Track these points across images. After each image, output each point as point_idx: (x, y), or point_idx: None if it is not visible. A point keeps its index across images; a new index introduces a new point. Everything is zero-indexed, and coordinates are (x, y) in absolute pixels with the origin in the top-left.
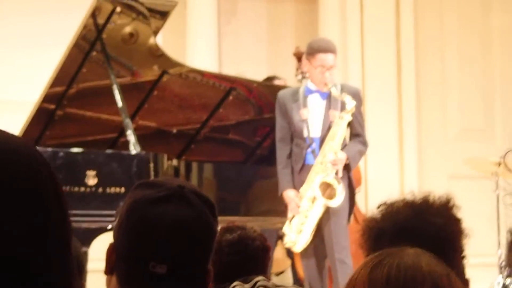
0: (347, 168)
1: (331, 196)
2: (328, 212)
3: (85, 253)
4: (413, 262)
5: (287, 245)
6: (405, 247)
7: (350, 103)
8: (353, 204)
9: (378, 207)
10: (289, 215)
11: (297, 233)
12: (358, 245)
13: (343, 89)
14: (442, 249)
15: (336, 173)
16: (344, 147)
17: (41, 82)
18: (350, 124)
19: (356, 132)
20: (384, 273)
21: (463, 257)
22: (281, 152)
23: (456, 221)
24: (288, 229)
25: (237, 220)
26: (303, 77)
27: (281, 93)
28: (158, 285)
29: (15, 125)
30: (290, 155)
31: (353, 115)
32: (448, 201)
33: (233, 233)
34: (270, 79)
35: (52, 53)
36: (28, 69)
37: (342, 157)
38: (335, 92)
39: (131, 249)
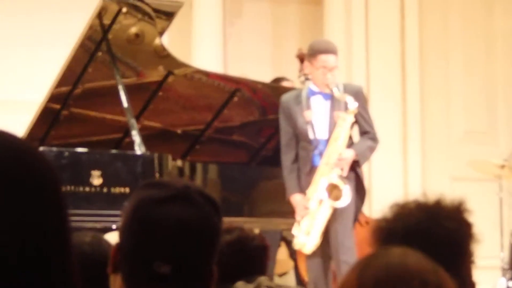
0: (356, 164)
1: (337, 197)
2: (334, 213)
3: None
4: (400, 262)
5: (297, 247)
6: (392, 246)
7: (352, 104)
8: (362, 203)
9: (390, 208)
10: (298, 218)
11: (306, 235)
12: (366, 245)
13: (346, 88)
14: (453, 253)
15: (341, 174)
16: (350, 146)
17: (43, 82)
18: (357, 123)
19: (364, 130)
20: (372, 275)
21: (472, 261)
22: (286, 157)
23: (468, 226)
24: (297, 231)
25: (241, 221)
26: (306, 79)
27: (284, 97)
28: (162, 285)
29: (17, 125)
30: (295, 160)
31: (356, 115)
32: (460, 205)
33: (231, 234)
34: (278, 80)
35: (54, 53)
36: (29, 69)
37: (348, 155)
38: (337, 93)
39: (136, 249)
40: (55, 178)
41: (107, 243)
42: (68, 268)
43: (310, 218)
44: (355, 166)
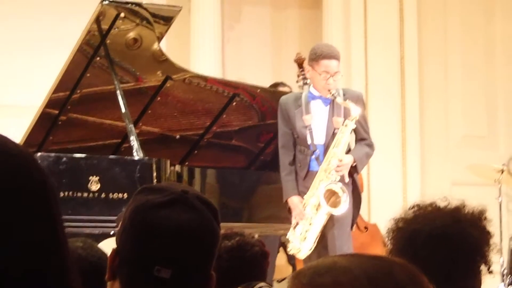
0: (354, 170)
1: (335, 204)
2: (332, 219)
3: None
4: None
5: (291, 252)
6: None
7: (355, 110)
8: (358, 210)
9: (410, 208)
10: (293, 221)
11: (301, 240)
12: (365, 250)
13: (345, 94)
14: (472, 259)
15: (341, 180)
16: (348, 152)
17: (42, 86)
18: (354, 130)
19: (361, 137)
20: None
21: (491, 271)
22: (284, 159)
23: (488, 234)
24: (292, 236)
25: (239, 226)
26: (305, 83)
27: (283, 99)
28: None
29: (16, 130)
30: (293, 162)
31: (356, 121)
32: (482, 213)
33: (231, 240)
34: (275, 85)
35: (53, 58)
36: (28, 73)
37: (348, 161)
38: (339, 99)
39: (135, 254)
40: (47, 183)
41: (97, 247)
42: (63, 276)
43: (305, 224)
44: (352, 172)
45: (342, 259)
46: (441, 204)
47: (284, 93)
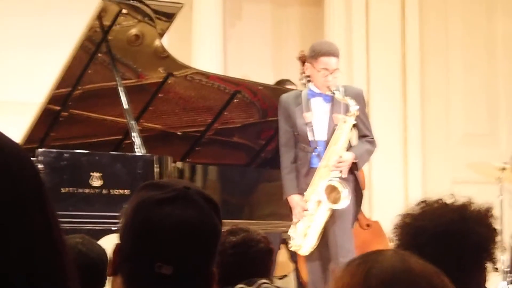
0: (355, 167)
1: (336, 200)
2: (333, 216)
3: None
4: (404, 265)
5: (293, 249)
6: (383, 250)
7: (354, 106)
8: (359, 207)
9: (417, 204)
10: (294, 219)
11: (302, 237)
12: (367, 247)
13: (346, 91)
14: (481, 258)
15: (341, 176)
16: (349, 148)
17: (43, 83)
18: (356, 127)
19: (362, 134)
20: (379, 281)
21: (497, 268)
22: (285, 157)
23: (495, 232)
24: (293, 233)
25: (241, 223)
26: (308, 81)
27: (283, 97)
28: (163, 286)
29: (18, 127)
30: (294, 160)
31: (357, 118)
32: (488, 210)
33: (237, 236)
34: (282, 82)
35: (54, 54)
36: (29, 70)
37: (348, 157)
38: (339, 95)
39: (136, 250)
40: (40, 180)
41: (96, 242)
42: (60, 275)
43: (307, 220)
44: (353, 169)
45: (383, 255)
46: (448, 201)
47: (285, 90)
